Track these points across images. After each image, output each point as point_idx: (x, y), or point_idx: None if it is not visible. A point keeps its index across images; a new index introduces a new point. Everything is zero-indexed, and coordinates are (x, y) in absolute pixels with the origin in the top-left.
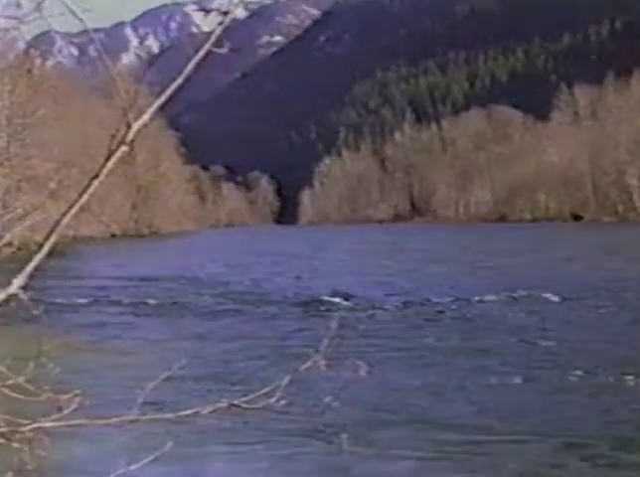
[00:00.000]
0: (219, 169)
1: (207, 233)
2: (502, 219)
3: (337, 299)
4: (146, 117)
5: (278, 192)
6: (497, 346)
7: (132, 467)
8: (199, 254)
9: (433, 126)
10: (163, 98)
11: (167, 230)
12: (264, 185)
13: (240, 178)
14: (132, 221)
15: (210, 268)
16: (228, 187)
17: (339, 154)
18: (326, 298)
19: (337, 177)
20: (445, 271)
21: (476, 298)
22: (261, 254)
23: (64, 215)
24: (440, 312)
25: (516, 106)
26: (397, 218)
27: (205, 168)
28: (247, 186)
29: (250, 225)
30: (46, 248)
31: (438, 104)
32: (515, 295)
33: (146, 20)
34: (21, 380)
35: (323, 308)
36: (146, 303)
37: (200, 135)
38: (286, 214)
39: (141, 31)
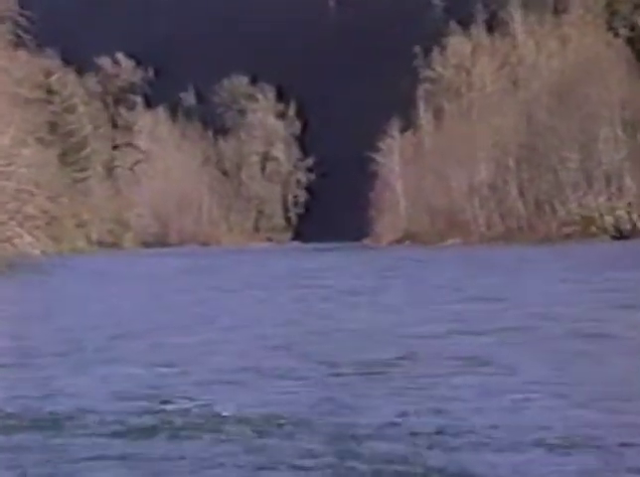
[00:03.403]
0: (122, 65)
1: (91, 265)
2: None
3: None
4: None
5: (302, 141)
6: None
7: None
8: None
9: None
10: None
11: None
12: (264, 120)
13: (188, 96)
14: None
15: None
16: (149, 119)
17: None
18: None
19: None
20: None
21: None
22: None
23: None
24: None
25: None
26: None
27: (73, 62)
28: (209, 123)
29: (219, 242)
30: None
31: None
32: None
33: None
34: None
35: None
36: None
37: None
38: (327, 210)
39: None
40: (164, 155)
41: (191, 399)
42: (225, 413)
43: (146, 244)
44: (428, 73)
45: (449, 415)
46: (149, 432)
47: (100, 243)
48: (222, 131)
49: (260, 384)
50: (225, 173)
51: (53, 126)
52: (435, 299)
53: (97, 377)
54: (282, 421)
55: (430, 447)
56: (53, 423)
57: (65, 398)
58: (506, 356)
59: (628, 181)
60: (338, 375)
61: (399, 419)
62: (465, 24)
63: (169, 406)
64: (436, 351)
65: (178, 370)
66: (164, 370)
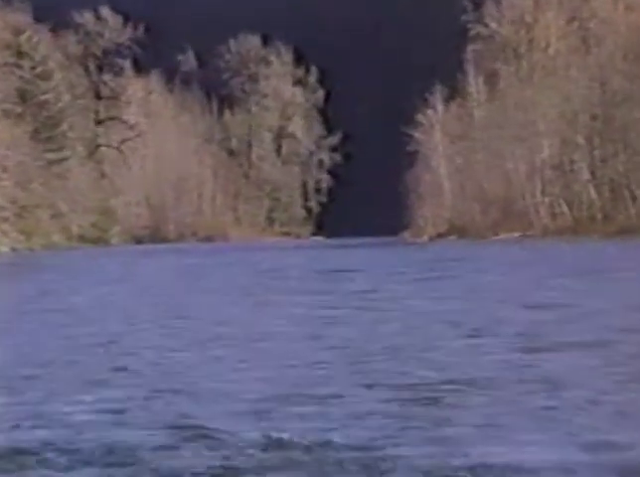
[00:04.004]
0: (107, 22)
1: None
2: None
3: None
4: None
5: (325, 115)
6: None
7: None
8: None
9: None
10: None
11: None
12: (280, 88)
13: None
14: None
15: None
16: (139, 87)
17: None
18: None
19: None
20: None
21: None
22: None
23: None
24: None
25: None
26: None
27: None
28: (213, 93)
29: (226, 237)
30: None
31: None
32: None
33: None
34: None
35: None
36: None
37: None
38: (355, 198)
39: None
40: (158, 131)
41: (231, 434)
42: (291, 451)
43: (137, 240)
44: (479, 29)
45: (558, 456)
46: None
47: (82, 239)
48: (228, 102)
49: (305, 412)
50: (231, 153)
51: (23, 96)
52: (490, 306)
53: (95, 402)
54: (358, 459)
55: None
56: (85, 460)
57: (74, 430)
58: (586, 378)
59: None
60: (393, 401)
61: (498, 458)
62: None
63: (212, 442)
64: (501, 371)
65: (191, 395)
66: (176, 398)
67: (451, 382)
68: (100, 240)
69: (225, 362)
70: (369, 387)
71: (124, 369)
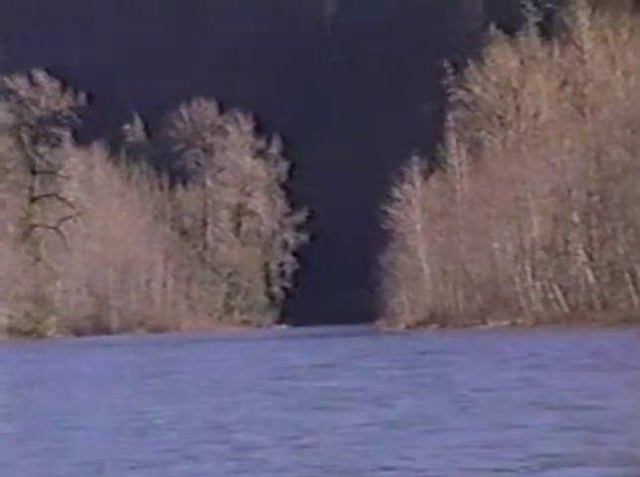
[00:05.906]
0: (43, 88)
1: None
2: None
3: None
4: None
5: (289, 190)
6: None
7: None
8: None
9: None
10: None
11: None
12: (238, 160)
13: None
14: None
15: None
16: (80, 160)
17: None
18: None
19: None
20: None
21: None
22: None
23: None
24: None
25: None
26: None
27: None
28: (163, 166)
29: (178, 328)
30: None
31: None
32: None
33: None
34: None
35: None
36: None
37: None
38: (324, 282)
39: None
40: (101, 209)
41: None
42: None
43: (77, 331)
44: (461, 95)
45: None
46: None
47: (12, 331)
48: (180, 176)
49: None
50: (184, 233)
51: None
52: (503, 409)
53: None
54: None
55: None
56: None
57: None
58: None
59: None
60: None
61: None
62: (511, 29)
63: None
64: None
65: None
66: None
67: None
68: (34, 333)
69: None
70: None
71: None
